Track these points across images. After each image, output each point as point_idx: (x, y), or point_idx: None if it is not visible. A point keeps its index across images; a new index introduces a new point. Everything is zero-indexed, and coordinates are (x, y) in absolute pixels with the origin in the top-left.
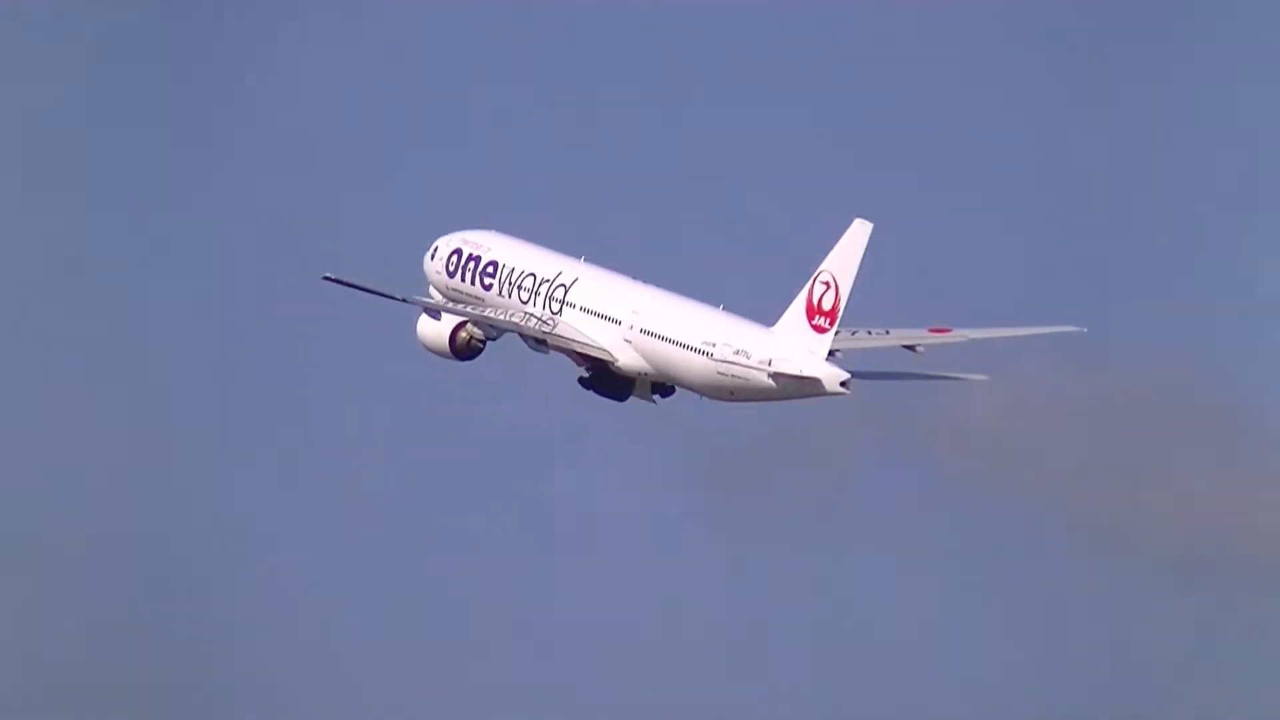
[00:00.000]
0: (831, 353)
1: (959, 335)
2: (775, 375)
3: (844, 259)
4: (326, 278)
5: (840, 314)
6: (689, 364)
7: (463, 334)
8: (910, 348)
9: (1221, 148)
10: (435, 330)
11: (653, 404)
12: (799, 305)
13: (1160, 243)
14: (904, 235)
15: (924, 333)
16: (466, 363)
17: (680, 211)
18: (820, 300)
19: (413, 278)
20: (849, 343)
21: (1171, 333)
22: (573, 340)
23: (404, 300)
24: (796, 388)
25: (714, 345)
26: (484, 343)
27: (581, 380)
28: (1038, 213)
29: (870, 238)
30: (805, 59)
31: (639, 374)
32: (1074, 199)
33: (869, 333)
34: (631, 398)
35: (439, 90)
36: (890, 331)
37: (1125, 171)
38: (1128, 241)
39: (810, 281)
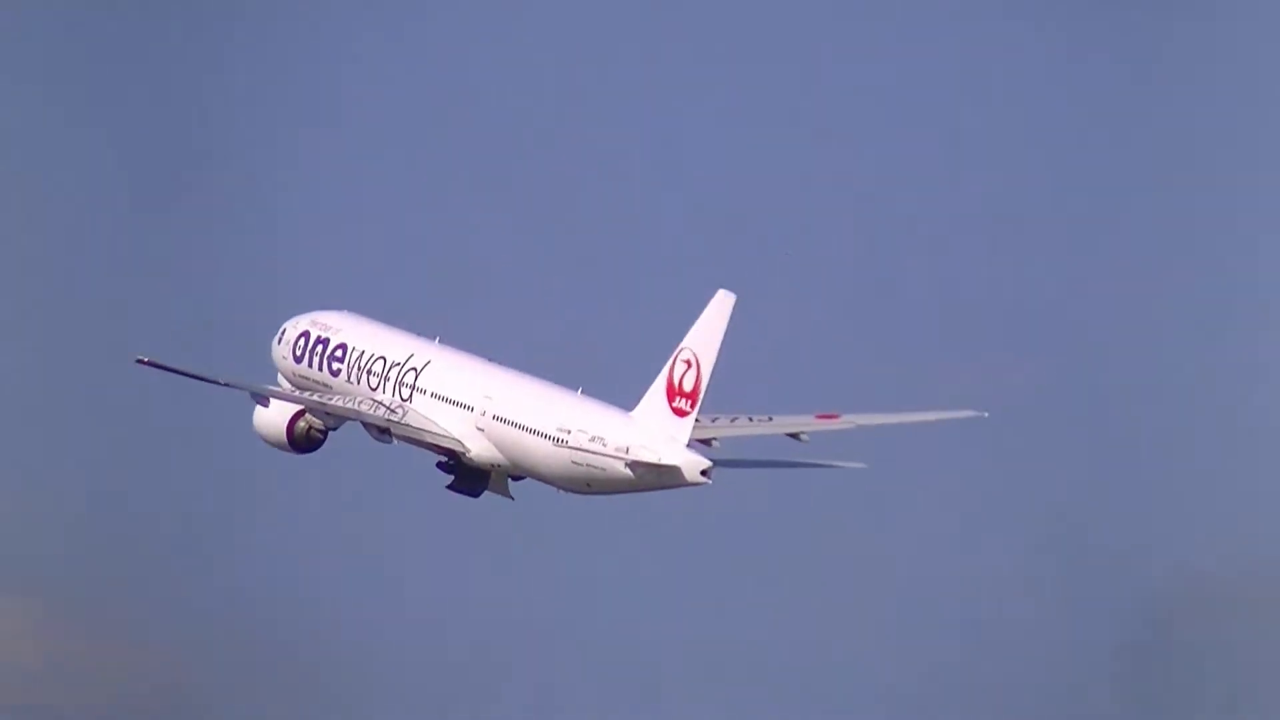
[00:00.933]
0: (707, 441)
1: (848, 421)
2: (633, 464)
3: (707, 334)
4: (141, 360)
5: (702, 395)
6: (542, 453)
7: (301, 423)
8: (794, 435)
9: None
10: (271, 420)
11: (510, 501)
12: (659, 387)
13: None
14: (785, 312)
15: (810, 419)
16: (305, 454)
17: (544, 285)
18: (681, 380)
19: (260, 363)
20: (727, 430)
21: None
22: (422, 430)
23: (226, 385)
24: (655, 478)
25: (568, 432)
26: (324, 433)
27: (440, 465)
28: (935, 282)
29: (747, 314)
30: (679, 115)
31: (493, 465)
32: (976, 263)
33: (750, 419)
34: (487, 493)
35: (306, 156)
36: (774, 418)
37: (1031, 236)
38: (1034, 317)
39: (671, 360)
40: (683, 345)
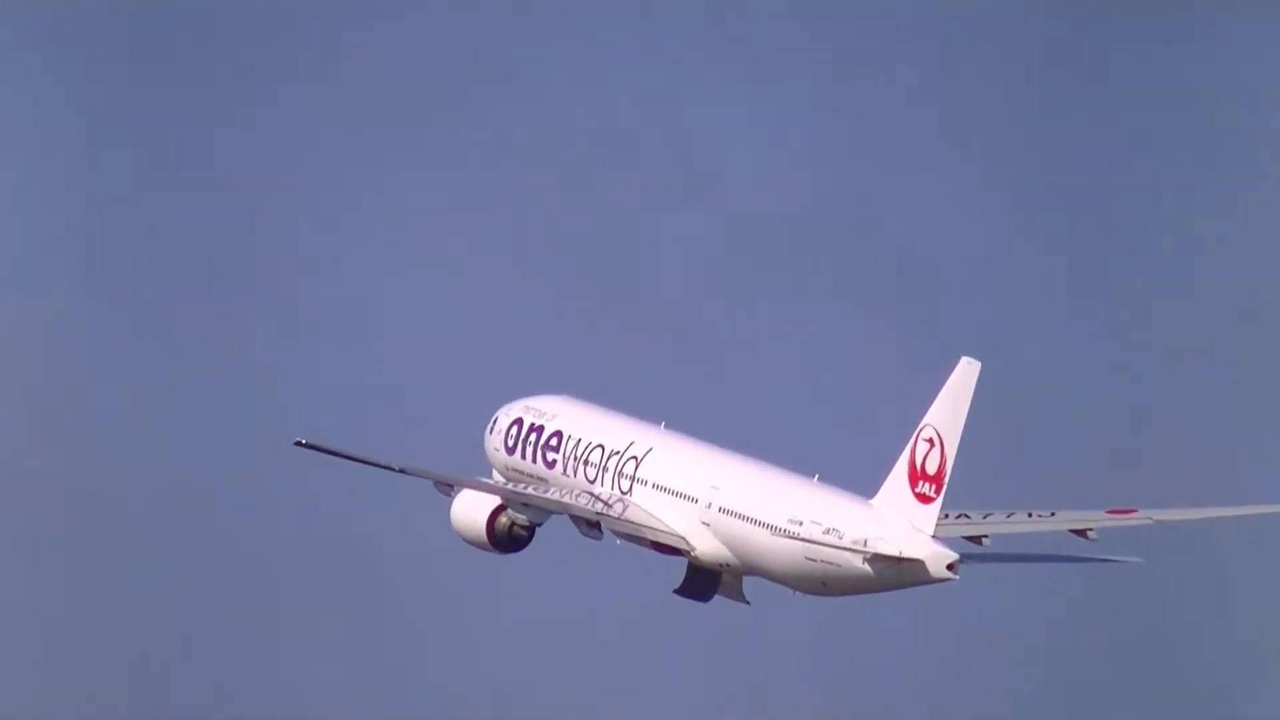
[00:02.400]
0: (978, 539)
1: (1144, 517)
2: (872, 559)
3: (950, 409)
4: (299, 442)
5: (947, 477)
6: (772, 548)
7: (502, 519)
8: (1080, 532)
9: None
10: (470, 515)
11: (746, 606)
12: (900, 471)
13: None
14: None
15: (1102, 515)
16: (509, 555)
17: (776, 363)
18: (924, 462)
19: (475, 458)
20: (1003, 526)
21: None
22: (641, 525)
23: (401, 471)
24: (897, 574)
25: (800, 524)
26: (529, 529)
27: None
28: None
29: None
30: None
31: (722, 565)
32: None
33: (1029, 515)
34: (718, 597)
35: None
36: (1057, 513)
37: None
38: None
39: (912, 440)
40: (925, 422)
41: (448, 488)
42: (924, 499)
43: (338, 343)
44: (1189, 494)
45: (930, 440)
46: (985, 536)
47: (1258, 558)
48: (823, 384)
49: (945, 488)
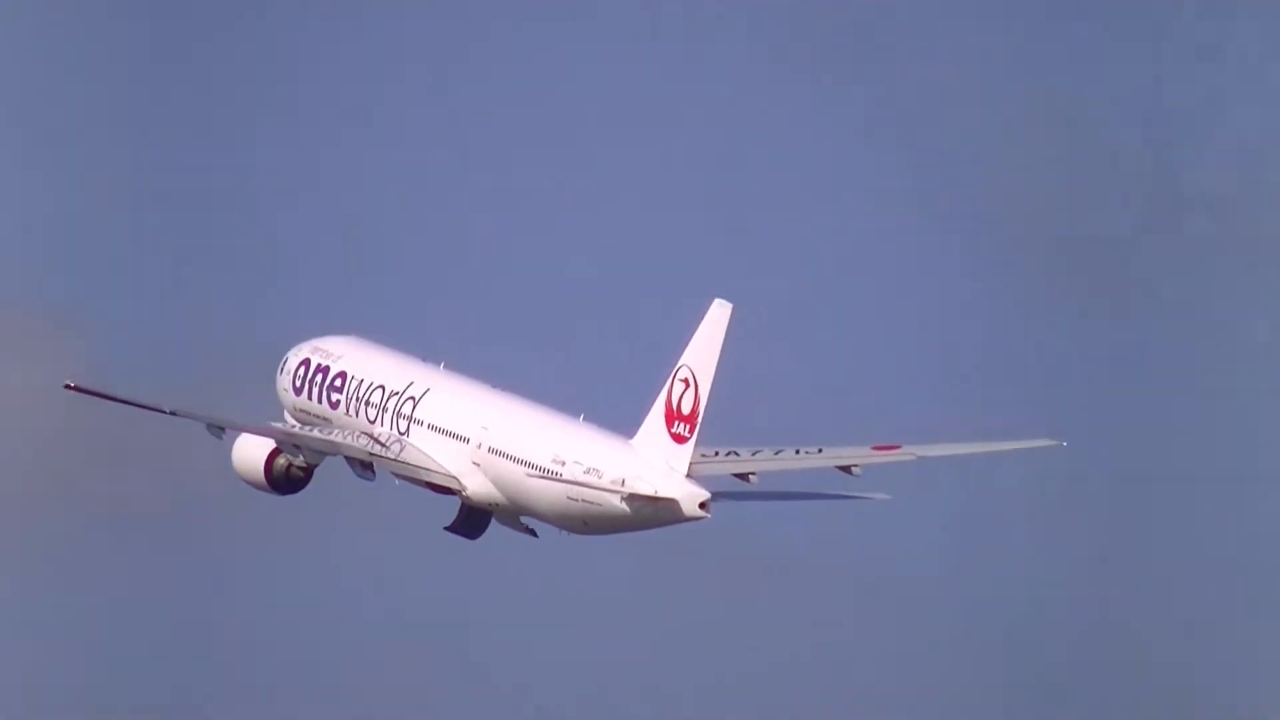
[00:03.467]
0: (744, 476)
1: (907, 453)
2: (631, 498)
3: (703, 350)
4: (69, 386)
5: (700, 417)
6: (538, 488)
7: (280, 460)
8: (846, 469)
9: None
10: (248, 457)
11: (535, 538)
12: (658, 411)
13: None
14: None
15: (868, 451)
16: (287, 496)
17: (554, 300)
18: (680, 402)
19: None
20: (770, 463)
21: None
22: (414, 465)
23: (172, 414)
24: (653, 513)
25: (564, 464)
26: (306, 470)
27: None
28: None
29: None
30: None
31: (493, 504)
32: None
33: (797, 452)
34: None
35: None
36: (824, 450)
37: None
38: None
39: (669, 380)
40: (680, 363)
41: (220, 431)
42: (679, 439)
43: None
44: (954, 430)
45: (685, 381)
46: (753, 474)
47: (1022, 492)
48: (601, 324)
49: (699, 427)
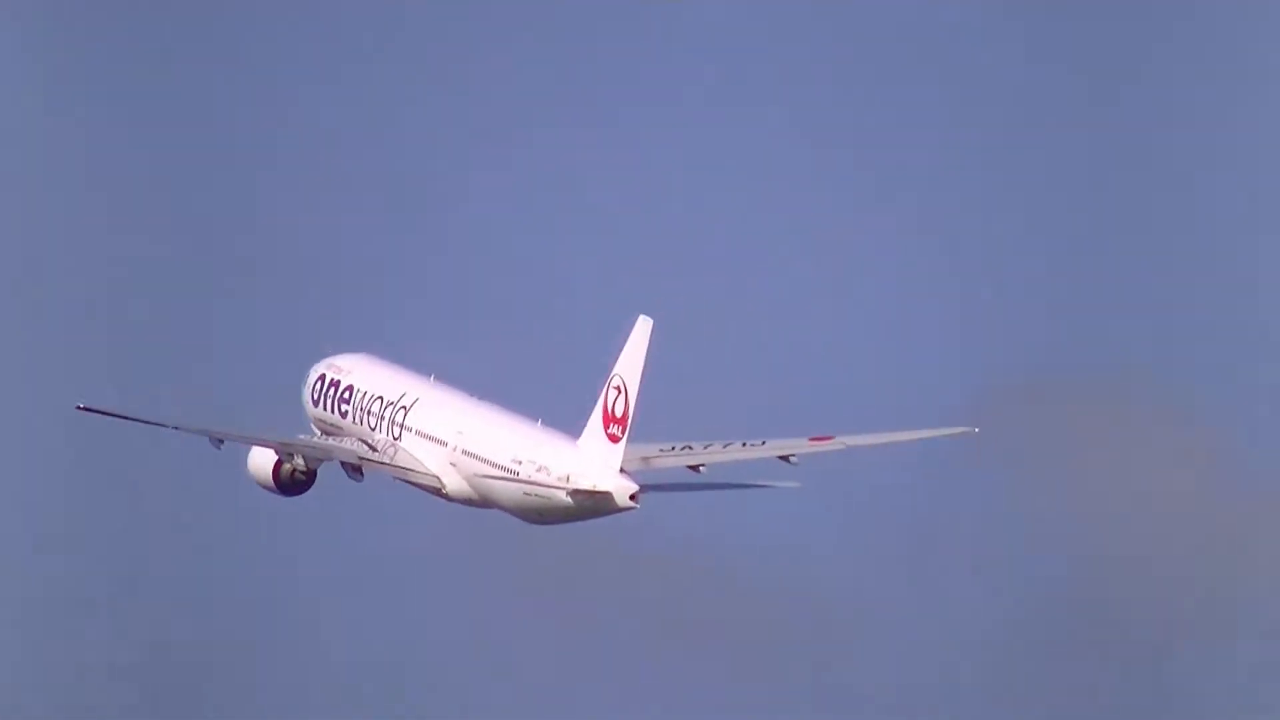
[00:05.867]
0: (695, 467)
1: (839, 443)
2: (573, 492)
3: (631, 361)
4: (81, 407)
5: (630, 420)
6: (500, 485)
7: (286, 466)
8: (785, 458)
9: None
10: (258, 463)
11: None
12: (597, 415)
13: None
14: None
15: (804, 442)
16: (293, 496)
17: (529, 315)
18: (613, 407)
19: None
20: (719, 455)
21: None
22: (401, 467)
23: (176, 429)
24: (592, 505)
25: (520, 463)
26: (308, 473)
27: None
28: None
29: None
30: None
31: (467, 499)
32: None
33: (744, 444)
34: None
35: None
36: (767, 442)
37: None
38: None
39: (605, 386)
40: (613, 372)
41: (219, 442)
42: (614, 439)
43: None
44: (882, 421)
45: (618, 388)
46: (702, 465)
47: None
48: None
49: (629, 428)
